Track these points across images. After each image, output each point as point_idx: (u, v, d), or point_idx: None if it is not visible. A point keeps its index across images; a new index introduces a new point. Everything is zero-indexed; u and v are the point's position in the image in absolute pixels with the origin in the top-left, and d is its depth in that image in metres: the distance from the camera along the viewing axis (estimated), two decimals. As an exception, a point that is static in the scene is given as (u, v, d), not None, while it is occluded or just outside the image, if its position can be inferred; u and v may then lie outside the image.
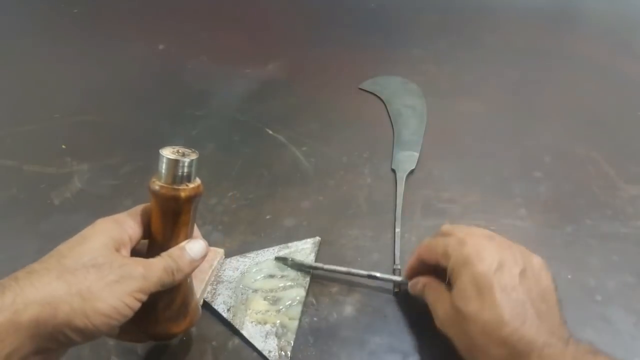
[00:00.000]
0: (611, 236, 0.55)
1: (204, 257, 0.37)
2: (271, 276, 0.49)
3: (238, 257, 0.51)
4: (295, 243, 0.52)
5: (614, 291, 0.49)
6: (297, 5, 0.98)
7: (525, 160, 0.64)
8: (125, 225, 0.35)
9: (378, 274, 0.47)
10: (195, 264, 0.36)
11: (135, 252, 0.37)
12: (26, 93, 0.76)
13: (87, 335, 0.30)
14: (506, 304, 0.35)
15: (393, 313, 0.47)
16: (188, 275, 0.36)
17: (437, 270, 0.42)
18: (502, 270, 0.36)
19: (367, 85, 0.77)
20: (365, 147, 0.66)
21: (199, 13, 0.95)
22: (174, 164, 0.34)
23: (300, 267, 0.49)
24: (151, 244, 0.37)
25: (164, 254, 0.35)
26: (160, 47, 0.85)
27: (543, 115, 0.72)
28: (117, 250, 0.34)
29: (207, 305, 0.47)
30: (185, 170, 0.35)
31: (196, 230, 0.39)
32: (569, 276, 0.51)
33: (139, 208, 0.37)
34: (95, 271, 0.31)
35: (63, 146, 0.66)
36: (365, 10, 0.97)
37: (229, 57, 0.84)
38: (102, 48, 0.84)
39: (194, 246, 0.37)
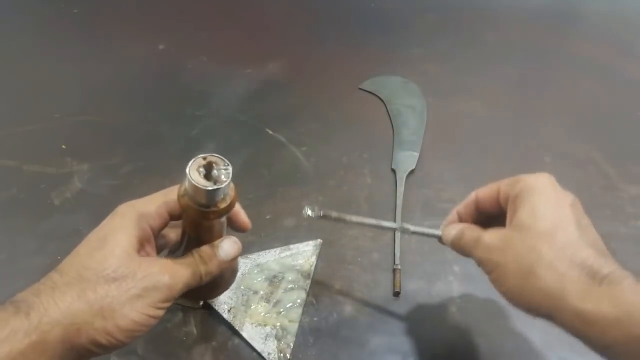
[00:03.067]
0: (611, 236, 0.54)
1: (235, 257, 0.36)
2: (272, 278, 0.49)
3: (240, 258, 0.51)
4: (296, 245, 0.52)
5: (614, 291, 0.49)
6: (297, 5, 0.98)
7: (525, 160, 0.64)
8: (148, 217, 0.34)
9: (397, 226, 0.44)
10: (225, 265, 0.35)
11: (163, 238, 0.37)
12: (26, 93, 0.76)
13: (112, 348, 0.31)
14: (583, 231, 0.34)
15: (393, 313, 0.47)
16: (216, 275, 0.35)
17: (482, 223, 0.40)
18: (575, 206, 0.36)
19: (367, 85, 0.77)
20: (365, 147, 0.66)
21: (199, 13, 0.95)
22: (207, 193, 0.30)
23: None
24: (183, 234, 0.36)
25: (195, 252, 0.34)
26: (160, 47, 0.84)
27: (543, 115, 0.72)
28: (141, 248, 0.33)
29: (207, 306, 0.47)
30: (219, 196, 0.31)
31: (242, 213, 0.38)
32: (569, 276, 0.50)
33: (170, 191, 0.35)
34: (117, 286, 0.30)
35: (63, 146, 0.66)
36: (365, 10, 0.97)
37: (229, 57, 0.84)
38: (102, 48, 0.84)
39: (226, 246, 0.35)
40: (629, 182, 0.61)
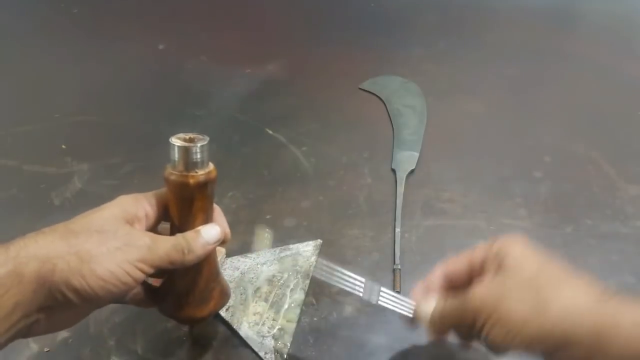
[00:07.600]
0: (611, 236, 0.54)
1: (218, 241, 0.37)
2: (271, 278, 0.49)
3: (239, 257, 0.51)
4: (296, 245, 0.52)
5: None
6: (297, 5, 0.98)
7: (525, 160, 0.64)
8: (144, 203, 0.36)
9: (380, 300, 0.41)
10: (209, 247, 0.37)
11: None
12: (26, 93, 0.76)
13: (85, 297, 0.31)
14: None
15: (393, 313, 0.47)
16: (200, 258, 0.36)
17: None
18: None
19: (367, 85, 0.77)
20: (365, 147, 0.66)
21: (199, 13, 0.95)
22: (183, 150, 0.34)
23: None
24: (171, 228, 0.38)
25: (178, 234, 0.36)
26: (160, 47, 0.85)
27: (543, 115, 0.72)
28: (130, 223, 0.35)
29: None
30: (195, 156, 0.35)
31: (221, 216, 0.39)
32: (569, 276, 0.51)
33: (161, 191, 0.38)
34: (98, 236, 0.32)
35: (63, 146, 0.66)
36: (365, 10, 0.97)
37: (229, 57, 0.84)
38: (102, 48, 0.84)
39: (209, 230, 0.37)
40: (629, 182, 0.61)
